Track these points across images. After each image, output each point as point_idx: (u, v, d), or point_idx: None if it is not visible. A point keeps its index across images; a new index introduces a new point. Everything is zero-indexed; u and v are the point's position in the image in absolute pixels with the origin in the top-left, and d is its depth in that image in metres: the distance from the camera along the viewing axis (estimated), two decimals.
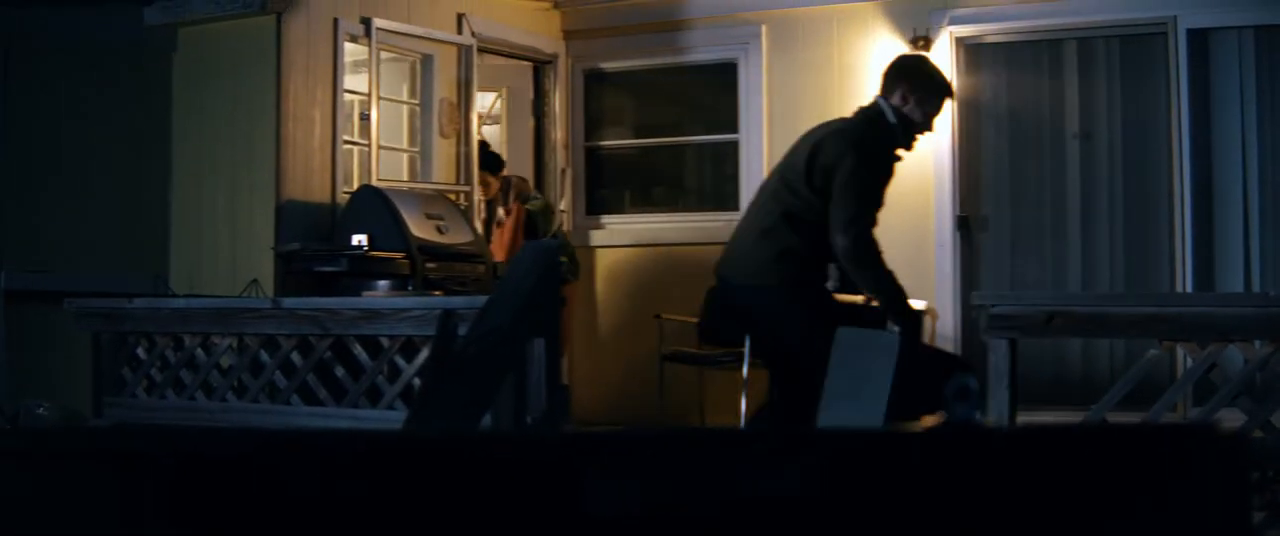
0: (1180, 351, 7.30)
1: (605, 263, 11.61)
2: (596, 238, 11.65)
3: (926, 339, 10.32)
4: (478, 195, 10.79)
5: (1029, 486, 2.18)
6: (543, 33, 11.64)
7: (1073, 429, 2.25)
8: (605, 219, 11.74)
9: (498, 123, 11.49)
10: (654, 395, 10.53)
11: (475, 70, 10.77)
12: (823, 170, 6.87)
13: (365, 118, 10.02)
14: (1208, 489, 2.17)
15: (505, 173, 11.01)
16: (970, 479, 2.19)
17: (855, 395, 6.21)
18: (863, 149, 6.89)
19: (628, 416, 10.90)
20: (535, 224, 10.51)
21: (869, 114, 7.13)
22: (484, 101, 11.56)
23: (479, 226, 10.46)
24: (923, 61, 7.62)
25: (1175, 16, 9.87)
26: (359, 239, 9.08)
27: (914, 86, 7.15)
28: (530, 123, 11.80)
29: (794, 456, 2.24)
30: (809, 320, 6.90)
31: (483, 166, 10.74)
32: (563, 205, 11.64)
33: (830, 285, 7.42)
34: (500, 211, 10.65)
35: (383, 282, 9.16)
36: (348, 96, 9.95)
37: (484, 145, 10.72)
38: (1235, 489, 2.23)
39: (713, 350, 10.04)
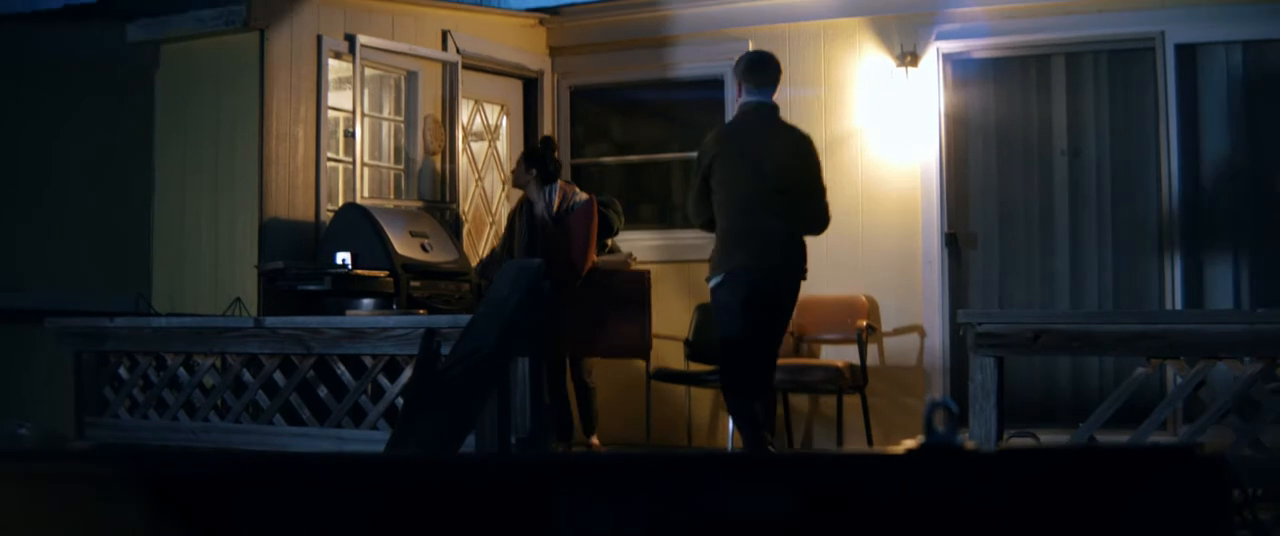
0: (1169, 369, 7.28)
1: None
2: None
3: (915, 358, 10.34)
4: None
5: (1011, 508, 2.14)
6: (529, 49, 11.61)
7: (1055, 450, 2.21)
8: None
9: (481, 139, 11.43)
10: (641, 414, 10.49)
11: (460, 86, 10.72)
12: (810, 169, 8.10)
13: (350, 135, 9.96)
14: (1190, 509, 2.14)
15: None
16: (953, 501, 2.15)
17: None
18: None
19: (615, 436, 10.85)
20: (609, 222, 10.31)
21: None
22: (491, 114, 11.52)
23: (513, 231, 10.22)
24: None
25: (1163, 31, 9.85)
26: (343, 257, 9.04)
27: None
28: (522, 139, 11.76)
29: (774, 479, 2.21)
30: None
31: (535, 164, 10.16)
32: None
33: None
34: (544, 214, 10.08)
35: (366, 301, 9.12)
36: (332, 113, 9.90)
37: (547, 141, 10.41)
38: (1217, 509, 2.20)
39: (701, 368, 10.01)
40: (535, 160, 10.01)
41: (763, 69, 8.15)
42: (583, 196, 9.95)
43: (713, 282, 8.03)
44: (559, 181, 10.03)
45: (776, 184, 7.94)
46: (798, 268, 8.05)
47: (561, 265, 9.48)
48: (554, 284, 9.45)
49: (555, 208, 9.90)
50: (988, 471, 2.16)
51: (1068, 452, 2.32)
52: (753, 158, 7.98)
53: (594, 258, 9.79)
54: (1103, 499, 2.09)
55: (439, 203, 10.59)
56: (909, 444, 2.16)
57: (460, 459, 3.71)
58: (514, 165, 10.42)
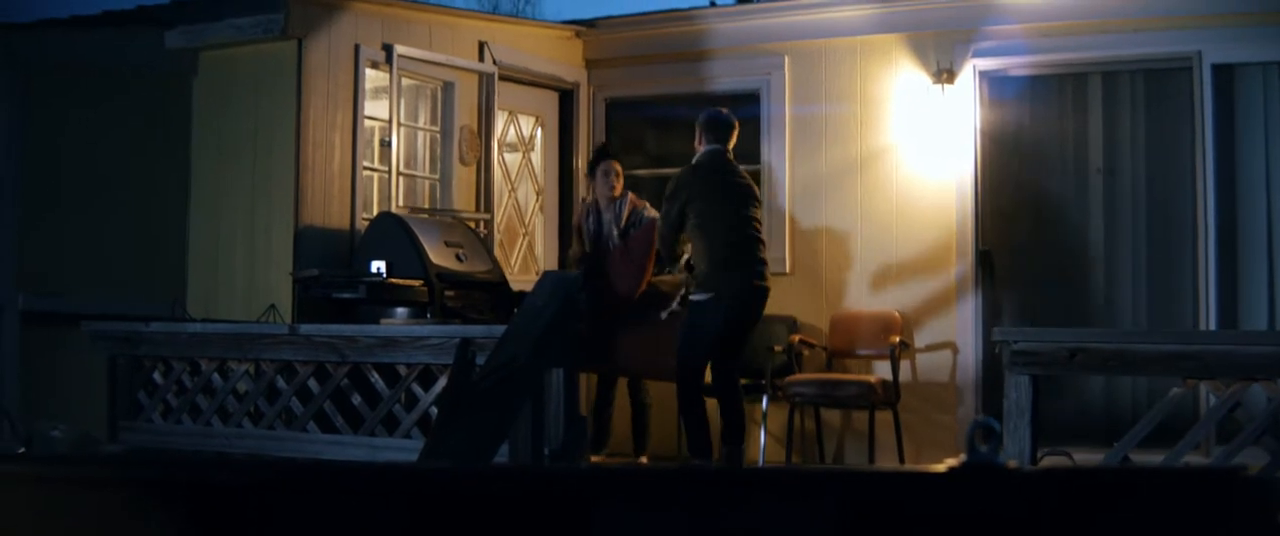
0: (1203, 389, 7.25)
1: None
2: None
3: (947, 374, 10.30)
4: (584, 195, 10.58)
5: (1053, 529, 2.13)
6: (565, 61, 11.61)
7: (1098, 471, 2.20)
8: None
9: (515, 150, 11.43)
10: (674, 427, 10.47)
11: (496, 97, 10.73)
12: (759, 206, 9.30)
13: (386, 144, 9.97)
14: (1235, 533, 2.13)
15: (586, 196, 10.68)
16: (995, 520, 2.15)
17: None
18: None
19: (648, 449, 10.84)
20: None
21: None
22: (525, 126, 11.53)
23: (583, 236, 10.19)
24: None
25: (1200, 52, 9.82)
26: (378, 266, 9.05)
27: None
28: (557, 150, 11.77)
29: (815, 494, 2.20)
30: None
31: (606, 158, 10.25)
32: None
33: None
34: (611, 225, 10.01)
35: (401, 310, 9.12)
36: (368, 122, 9.92)
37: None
38: (1263, 533, 2.19)
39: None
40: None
41: (725, 127, 9.23)
42: (650, 215, 9.86)
43: (699, 298, 8.95)
44: (630, 195, 10.04)
45: (750, 216, 9.08)
46: (767, 292, 9.07)
47: (623, 279, 9.62)
48: (610, 300, 9.45)
49: (623, 221, 9.92)
50: (1030, 491, 2.16)
51: (1112, 473, 2.31)
52: (733, 192, 9.09)
53: (649, 277, 9.71)
54: (1147, 521, 2.08)
55: (474, 213, 10.60)
56: (950, 462, 2.16)
57: (496, 469, 3.71)
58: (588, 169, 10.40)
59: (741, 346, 9.19)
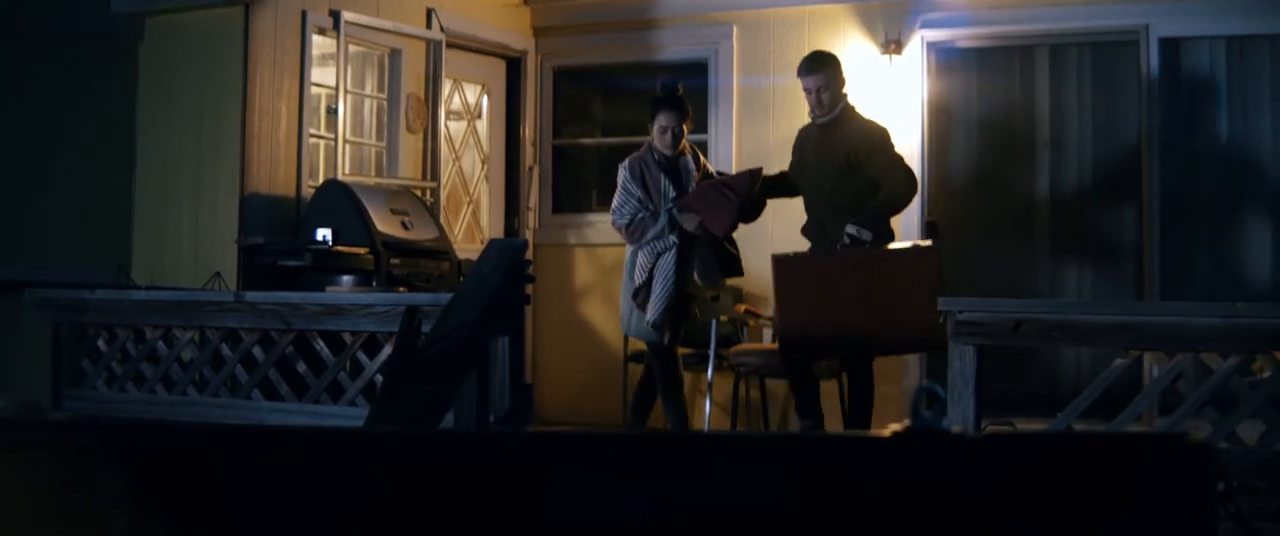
0: (1147, 360, 7.30)
1: (571, 261, 11.56)
2: (563, 236, 11.60)
3: None
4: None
5: (997, 493, 2.15)
6: (513, 29, 11.59)
7: (1042, 436, 2.22)
8: (573, 217, 11.69)
9: (460, 119, 11.41)
10: (618, 396, 10.50)
11: (444, 65, 10.71)
12: None
13: (332, 112, 9.94)
14: (1174, 499, 2.15)
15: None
16: (940, 485, 2.16)
17: None
18: None
19: (590, 417, 10.86)
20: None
21: None
22: (470, 94, 11.51)
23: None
24: None
25: (1147, 25, 9.88)
26: (323, 233, 9.03)
27: None
28: (504, 119, 11.74)
29: (763, 460, 2.21)
30: None
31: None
32: (531, 203, 11.59)
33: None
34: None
35: (347, 278, 9.10)
36: (315, 89, 9.88)
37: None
38: (1202, 499, 2.21)
39: (681, 351, 10.01)
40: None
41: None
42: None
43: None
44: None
45: None
46: None
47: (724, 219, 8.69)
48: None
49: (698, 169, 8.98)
50: (974, 456, 2.17)
51: (1055, 438, 2.33)
52: None
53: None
54: (1089, 485, 2.10)
55: (420, 181, 10.58)
56: (896, 427, 2.17)
57: (449, 434, 3.71)
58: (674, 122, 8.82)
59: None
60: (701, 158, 9.14)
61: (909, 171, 8.60)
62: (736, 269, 8.97)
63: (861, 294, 8.14)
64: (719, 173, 9.14)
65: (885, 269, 8.28)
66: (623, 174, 8.84)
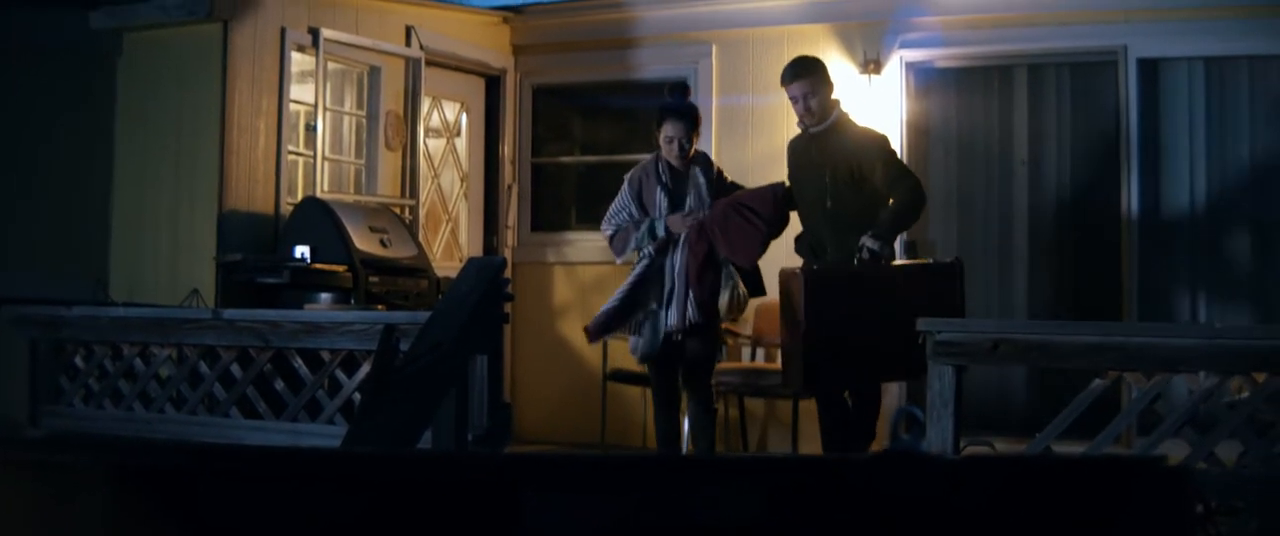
0: (1126, 381, 7.31)
1: (550, 279, 11.54)
2: (542, 254, 11.59)
3: None
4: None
5: (975, 514, 2.15)
6: (492, 47, 11.59)
7: (1020, 459, 2.22)
8: (551, 235, 11.68)
9: (439, 136, 11.40)
10: (596, 415, 10.48)
11: (423, 83, 10.70)
12: None
13: (311, 128, 9.92)
14: (1153, 522, 2.15)
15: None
16: (917, 506, 2.16)
17: None
18: None
19: (569, 436, 10.84)
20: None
21: None
22: (449, 112, 11.49)
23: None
24: None
25: (1125, 46, 9.89)
26: (302, 251, 9.01)
27: None
28: (483, 137, 11.73)
29: (741, 481, 2.21)
30: None
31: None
32: (510, 221, 11.58)
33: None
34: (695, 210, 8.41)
35: (325, 295, 9.08)
36: (294, 106, 9.87)
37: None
38: (1180, 523, 2.21)
39: None
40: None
41: None
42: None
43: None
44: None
45: None
46: None
47: (748, 247, 8.25)
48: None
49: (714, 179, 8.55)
50: (952, 478, 2.17)
51: (1033, 461, 2.33)
52: None
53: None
54: (1067, 508, 2.09)
55: (398, 199, 10.56)
56: (874, 449, 2.17)
57: (427, 453, 3.70)
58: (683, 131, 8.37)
59: None
60: (716, 166, 8.64)
61: (917, 180, 8.17)
62: (760, 289, 8.44)
63: (886, 311, 7.58)
64: (734, 182, 8.66)
65: (911, 286, 7.83)
66: (624, 184, 8.48)
